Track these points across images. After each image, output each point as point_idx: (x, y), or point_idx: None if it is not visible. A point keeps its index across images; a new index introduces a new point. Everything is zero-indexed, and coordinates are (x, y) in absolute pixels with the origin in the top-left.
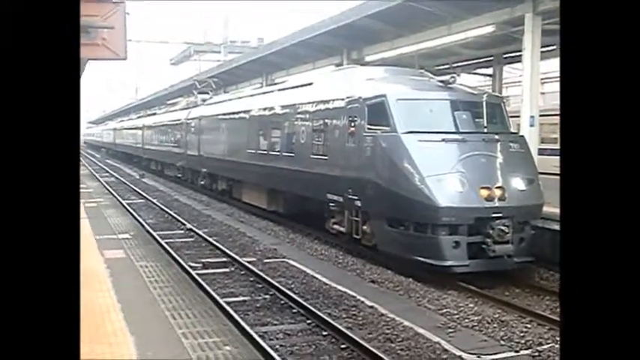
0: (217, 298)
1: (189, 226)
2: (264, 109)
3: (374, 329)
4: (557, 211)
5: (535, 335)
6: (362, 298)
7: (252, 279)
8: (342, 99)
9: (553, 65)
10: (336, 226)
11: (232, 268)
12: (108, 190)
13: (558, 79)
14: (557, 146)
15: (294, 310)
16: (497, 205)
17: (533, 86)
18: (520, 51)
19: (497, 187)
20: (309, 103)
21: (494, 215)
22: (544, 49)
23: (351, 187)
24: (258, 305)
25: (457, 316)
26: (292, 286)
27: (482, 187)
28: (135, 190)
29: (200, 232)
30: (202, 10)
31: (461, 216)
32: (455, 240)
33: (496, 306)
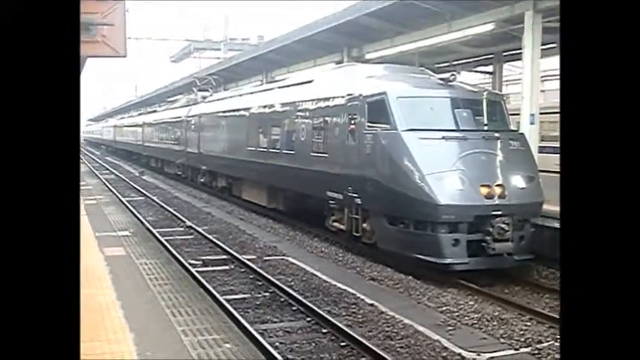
0: (217, 295)
1: (189, 223)
2: (264, 106)
3: (374, 327)
4: (557, 208)
5: (535, 333)
6: (362, 296)
7: (252, 276)
8: (343, 96)
9: (553, 63)
10: (335, 224)
11: (232, 266)
12: (108, 187)
13: (558, 76)
14: (558, 144)
15: (294, 308)
16: (497, 202)
17: (534, 84)
18: (520, 49)
19: (497, 185)
20: (309, 100)
21: (494, 213)
22: (544, 47)
23: (351, 184)
24: (258, 303)
25: (457, 314)
26: (292, 283)
27: (483, 185)
28: (135, 188)
29: (200, 230)
30: (202, 9)
31: (461, 214)
32: (455, 238)
33: (496, 304)
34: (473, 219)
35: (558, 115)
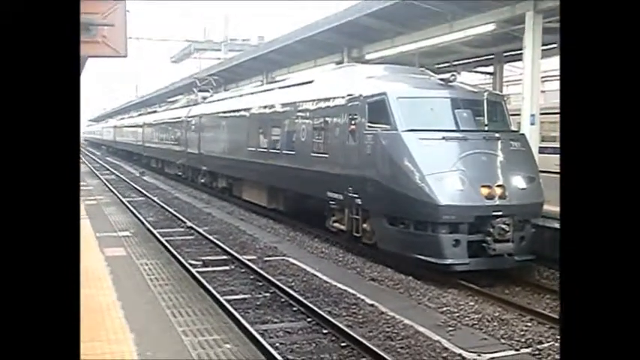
0: (217, 295)
1: (189, 224)
2: (265, 107)
3: (374, 327)
4: (558, 209)
5: (535, 334)
6: (362, 296)
7: (252, 277)
8: (343, 97)
9: (554, 63)
10: (336, 224)
11: (232, 266)
12: (108, 187)
13: (559, 77)
14: (558, 145)
15: (295, 308)
16: (497, 203)
17: (534, 84)
18: (521, 49)
19: (497, 186)
20: (309, 101)
21: (494, 213)
22: (545, 48)
23: (351, 185)
24: (258, 303)
25: (457, 315)
26: (292, 284)
27: (483, 186)
28: (135, 188)
29: (200, 230)
30: (203, 9)
31: (461, 214)
32: (455, 238)
33: (496, 304)
34: (473, 219)
35: (559, 115)
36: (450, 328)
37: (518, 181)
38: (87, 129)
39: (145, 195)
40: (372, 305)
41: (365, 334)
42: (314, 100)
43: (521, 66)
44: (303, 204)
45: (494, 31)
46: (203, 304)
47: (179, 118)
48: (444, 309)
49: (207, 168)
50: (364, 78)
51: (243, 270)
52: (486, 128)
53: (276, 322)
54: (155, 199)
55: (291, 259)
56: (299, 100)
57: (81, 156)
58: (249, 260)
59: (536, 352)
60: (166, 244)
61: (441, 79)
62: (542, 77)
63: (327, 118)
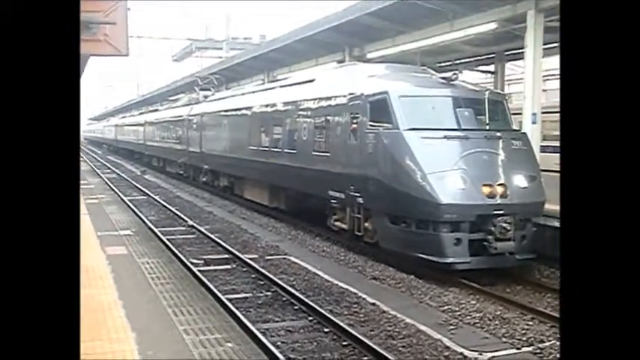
0: (219, 294)
1: (190, 222)
2: (266, 105)
3: (375, 326)
4: (559, 208)
5: (537, 332)
6: (364, 295)
7: (253, 276)
8: (344, 96)
9: (555, 62)
10: (337, 223)
11: (234, 265)
12: (109, 186)
13: (559, 76)
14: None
15: (296, 307)
16: (499, 202)
17: (536, 83)
18: (522, 48)
19: (499, 185)
20: (310, 99)
21: (496, 212)
22: (546, 47)
23: (352, 184)
24: (260, 302)
25: (459, 313)
26: (294, 283)
27: (484, 185)
28: (136, 187)
29: (202, 229)
30: (204, 8)
31: (463, 213)
32: (456, 237)
33: (497, 303)
34: (475, 218)
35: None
36: (452, 327)
37: (520, 180)
38: (88, 127)
39: (147, 194)
40: (373, 304)
41: (366, 332)
42: (315, 99)
43: (523, 65)
44: (305, 203)
45: (496, 29)
46: (204, 303)
47: (180, 116)
48: (446, 308)
49: (209, 167)
50: (366, 77)
51: (244, 269)
52: (488, 127)
53: (277, 321)
54: (156, 197)
55: (292, 258)
56: (300, 98)
57: (82, 155)
58: (250, 259)
59: (538, 351)
60: (168, 242)
61: (443, 78)
62: (544, 76)
63: (328, 117)
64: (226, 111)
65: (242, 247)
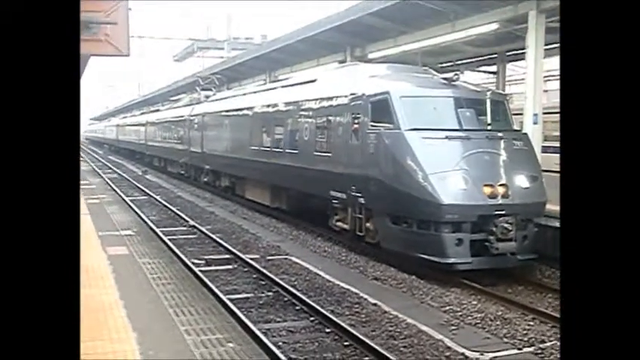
0: (220, 294)
1: (192, 222)
2: (268, 105)
3: (377, 326)
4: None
5: (538, 332)
6: (365, 296)
7: (255, 276)
8: (346, 96)
9: (556, 63)
10: (339, 224)
11: (235, 265)
12: (110, 186)
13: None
14: None
15: (298, 307)
16: (500, 202)
17: (537, 84)
18: (524, 48)
19: (500, 185)
20: (312, 100)
21: (497, 213)
22: (548, 47)
23: (354, 184)
24: (261, 302)
25: (460, 314)
26: (295, 283)
27: (486, 185)
28: (137, 187)
29: (203, 229)
30: (205, 8)
31: (464, 213)
32: (458, 237)
33: (499, 303)
34: (476, 218)
35: None
36: (453, 327)
37: (521, 181)
38: (89, 127)
39: (148, 194)
40: (374, 304)
41: (368, 333)
42: (317, 99)
43: (524, 65)
44: (306, 203)
45: (497, 30)
46: (206, 303)
47: (182, 116)
48: (447, 308)
49: (210, 167)
50: (367, 77)
51: (246, 269)
52: (489, 127)
53: (279, 321)
54: (158, 197)
55: (293, 258)
56: (302, 99)
57: (83, 155)
58: (252, 259)
59: (539, 351)
60: (169, 242)
61: (444, 79)
62: (545, 77)
63: (330, 117)
64: (228, 111)
65: (243, 248)
